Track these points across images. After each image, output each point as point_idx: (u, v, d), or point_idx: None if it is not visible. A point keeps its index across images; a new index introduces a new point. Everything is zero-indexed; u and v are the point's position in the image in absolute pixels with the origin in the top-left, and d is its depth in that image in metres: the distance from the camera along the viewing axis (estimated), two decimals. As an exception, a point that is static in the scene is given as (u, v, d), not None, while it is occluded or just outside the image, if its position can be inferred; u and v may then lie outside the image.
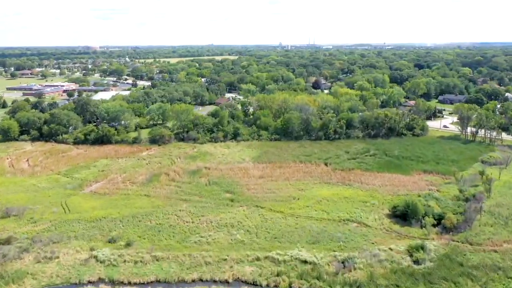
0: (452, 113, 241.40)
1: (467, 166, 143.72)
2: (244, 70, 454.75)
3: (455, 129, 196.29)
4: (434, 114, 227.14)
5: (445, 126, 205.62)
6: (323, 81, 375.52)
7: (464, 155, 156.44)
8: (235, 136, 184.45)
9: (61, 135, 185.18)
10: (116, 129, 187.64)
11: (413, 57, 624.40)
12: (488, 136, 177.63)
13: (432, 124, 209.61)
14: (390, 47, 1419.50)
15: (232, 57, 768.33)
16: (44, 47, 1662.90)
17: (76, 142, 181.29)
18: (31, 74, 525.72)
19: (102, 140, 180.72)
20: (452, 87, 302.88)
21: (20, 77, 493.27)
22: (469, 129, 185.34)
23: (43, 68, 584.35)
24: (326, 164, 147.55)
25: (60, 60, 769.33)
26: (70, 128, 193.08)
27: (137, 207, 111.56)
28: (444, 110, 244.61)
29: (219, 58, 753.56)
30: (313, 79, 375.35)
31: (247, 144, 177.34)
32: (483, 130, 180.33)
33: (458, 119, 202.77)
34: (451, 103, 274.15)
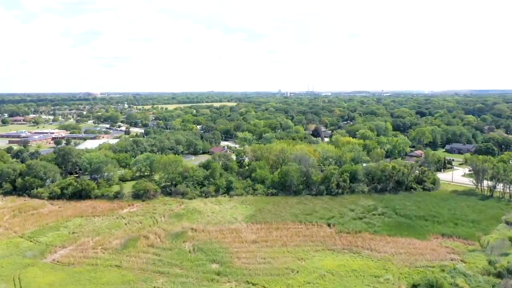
0: (462, 164, 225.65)
1: (490, 228, 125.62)
2: (242, 117, 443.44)
3: (468, 182, 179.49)
4: (444, 165, 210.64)
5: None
6: (323, 129, 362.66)
7: (485, 214, 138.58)
8: (228, 190, 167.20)
9: (36, 188, 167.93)
10: (97, 182, 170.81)
11: (413, 104, 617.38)
12: (508, 191, 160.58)
13: (443, 176, 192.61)
14: (388, 94, 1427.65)
15: (230, 104, 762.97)
16: (45, 93, 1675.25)
17: (52, 197, 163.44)
18: (23, 120, 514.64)
19: (80, 195, 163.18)
20: (459, 135, 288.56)
21: (12, 123, 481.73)
22: (485, 182, 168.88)
23: (37, 115, 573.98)
24: (329, 225, 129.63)
25: (57, 107, 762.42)
26: (47, 180, 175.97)
27: (103, 283, 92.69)
28: (453, 160, 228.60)
29: (217, 104, 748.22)
30: (312, 126, 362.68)
31: (241, 200, 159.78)
32: (501, 185, 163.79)
33: (470, 171, 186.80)
34: (459, 153, 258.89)
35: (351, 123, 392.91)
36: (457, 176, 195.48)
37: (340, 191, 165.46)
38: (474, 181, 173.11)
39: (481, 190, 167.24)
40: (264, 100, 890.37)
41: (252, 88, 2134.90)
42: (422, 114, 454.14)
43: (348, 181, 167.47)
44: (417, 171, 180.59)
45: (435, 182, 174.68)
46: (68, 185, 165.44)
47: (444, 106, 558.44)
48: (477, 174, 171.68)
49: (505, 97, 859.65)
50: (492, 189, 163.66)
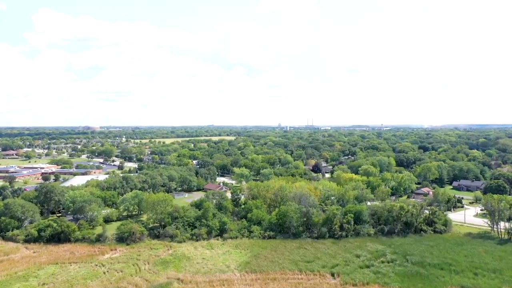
0: (472, 202, 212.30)
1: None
2: (240, 151, 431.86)
3: (482, 224, 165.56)
4: (454, 205, 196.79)
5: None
6: (323, 164, 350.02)
7: (506, 262, 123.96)
8: (221, 232, 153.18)
9: (12, 230, 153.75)
10: (79, 224, 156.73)
11: (415, 139, 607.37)
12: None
13: (454, 216, 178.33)
14: (388, 128, 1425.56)
15: (229, 138, 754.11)
16: (45, 127, 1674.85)
17: (28, 240, 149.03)
18: (16, 154, 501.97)
19: (59, 238, 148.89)
20: (466, 171, 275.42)
21: (3, 158, 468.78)
22: (501, 224, 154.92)
23: (31, 149, 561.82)
24: (333, 275, 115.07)
25: (53, 140, 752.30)
26: (25, 221, 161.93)
27: None
28: (462, 198, 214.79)
29: (216, 138, 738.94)
30: (312, 162, 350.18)
31: (235, 243, 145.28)
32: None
33: (482, 210, 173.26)
34: (468, 190, 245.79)
35: (353, 158, 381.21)
36: (469, 217, 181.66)
37: (343, 233, 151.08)
38: (489, 223, 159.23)
39: (498, 233, 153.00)
40: (263, 134, 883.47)
41: (252, 122, 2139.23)
42: (425, 149, 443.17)
43: (352, 223, 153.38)
44: (426, 211, 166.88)
45: (446, 223, 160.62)
46: (46, 226, 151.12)
47: (446, 140, 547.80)
48: (492, 215, 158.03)
49: (507, 131, 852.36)
50: (510, 231, 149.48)
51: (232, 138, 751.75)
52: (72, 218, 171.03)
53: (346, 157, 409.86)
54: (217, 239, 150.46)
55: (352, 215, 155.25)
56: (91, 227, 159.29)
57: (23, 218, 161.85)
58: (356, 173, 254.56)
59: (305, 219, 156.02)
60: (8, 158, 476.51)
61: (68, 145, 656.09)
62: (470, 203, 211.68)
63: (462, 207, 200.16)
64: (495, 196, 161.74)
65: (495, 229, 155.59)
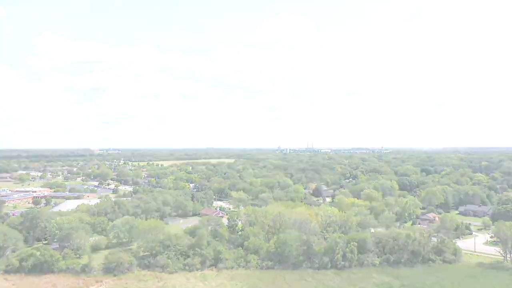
0: (481, 229, 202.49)
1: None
2: (238, 174, 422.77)
3: (494, 252, 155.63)
4: (463, 231, 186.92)
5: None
6: (324, 188, 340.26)
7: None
8: (216, 262, 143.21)
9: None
10: (64, 253, 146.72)
11: (416, 162, 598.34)
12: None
13: (463, 244, 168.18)
14: (388, 151, 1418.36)
15: (228, 160, 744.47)
16: (44, 149, 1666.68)
17: (8, 270, 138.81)
18: (10, 177, 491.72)
19: (41, 268, 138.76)
20: (471, 195, 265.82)
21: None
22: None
23: (25, 171, 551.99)
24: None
25: (50, 163, 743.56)
26: (7, 250, 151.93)
27: None
28: (470, 224, 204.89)
29: (214, 161, 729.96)
30: (313, 185, 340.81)
31: (231, 275, 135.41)
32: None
33: (492, 237, 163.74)
34: (475, 216, 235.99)
35: (354, 181, 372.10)
36: (478, 244, 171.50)
37: (347, 263, 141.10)
38: (501, 252, 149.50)
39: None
40: (263, 156, 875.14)
41: (252, 145, 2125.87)
42: (428, 172, 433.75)
43: (356, 252, 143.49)
44: (434, 239, 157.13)
45: (456, 252, 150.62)
46: (29, 256, 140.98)
47: (448, 163, 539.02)
48: (505, 243, 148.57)
49: (508, 154, 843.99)
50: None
51: (231, 160, 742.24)
52: (58, 246, 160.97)
53: (347, 181, 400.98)
54: (211, 270, 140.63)
55: (356, 244, 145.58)
56: (77, 256, 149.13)
57: (4, 246, 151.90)
58: (358, 197, 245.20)
59: (305, 247, 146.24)
60: (1, 181, 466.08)
61: (64, 168, 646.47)
62: (478, 229, 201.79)
63: (471, 234, 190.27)
64: (508, 223, 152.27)
65: (508, 258, 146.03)
